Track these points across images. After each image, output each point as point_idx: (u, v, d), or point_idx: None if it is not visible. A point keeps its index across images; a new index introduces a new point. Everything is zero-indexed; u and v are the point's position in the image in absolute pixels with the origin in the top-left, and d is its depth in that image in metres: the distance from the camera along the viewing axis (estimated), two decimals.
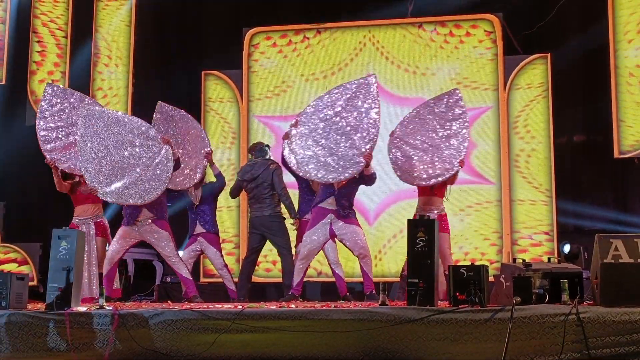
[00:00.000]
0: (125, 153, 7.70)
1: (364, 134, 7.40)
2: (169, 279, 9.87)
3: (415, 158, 7.72)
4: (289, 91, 10.16)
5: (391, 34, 10.06)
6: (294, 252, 8.18)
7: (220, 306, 6.40)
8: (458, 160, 7.62)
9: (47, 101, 8.19)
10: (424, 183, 7.66)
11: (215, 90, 10.27)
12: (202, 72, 10.34)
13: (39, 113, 8.20)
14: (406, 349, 5.47)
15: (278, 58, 10.23)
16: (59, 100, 8.20)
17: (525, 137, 9.48)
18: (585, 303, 5.59)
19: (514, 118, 9.58)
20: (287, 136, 7.68)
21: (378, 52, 10.03)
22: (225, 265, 8.67)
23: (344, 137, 7.46)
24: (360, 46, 10.09)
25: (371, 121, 7.40)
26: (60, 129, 8.14)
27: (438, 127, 7.74)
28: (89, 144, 7.67)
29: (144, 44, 10.58)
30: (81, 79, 9.86)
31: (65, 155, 8.10)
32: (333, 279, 8.11)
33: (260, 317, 5.70)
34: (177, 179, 8.20)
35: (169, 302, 7.59)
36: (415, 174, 7.70)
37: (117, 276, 8.03)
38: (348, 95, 7.52)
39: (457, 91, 7.86)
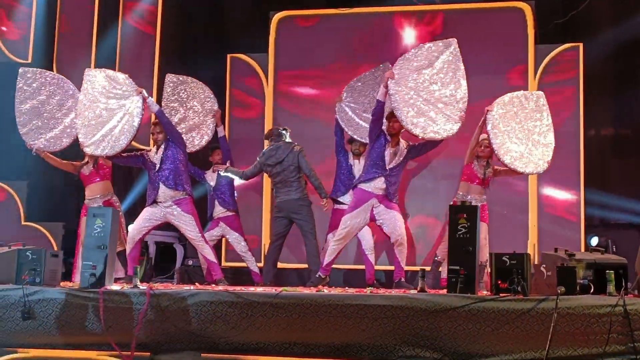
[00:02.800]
0: (101, 105, 7.72)
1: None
2: (190, 262, 9.81)
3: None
4: (315, 76, 10.01)
5: (416, 19, 9.91)
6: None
7: (253, 289, 6.31)
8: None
9: (20, 86, 8.29)
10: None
11: (242, 73, 10.15)
12: (228, 55, 10.22)
13: (15, 99, 8.29)
14: (445, 337, 5.39)
15: (305, 42, 10.09)
16: (30, 82, 8.31)
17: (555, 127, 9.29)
18: (630, 295, 5.48)
19: None
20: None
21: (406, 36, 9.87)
22: (249, 249, 8.65)
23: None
24: (386, 30, 9.95)
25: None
26: (32, 111, 8.25)
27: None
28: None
29: (170, 29, 10.46)
30: (107, 64, 9.73)
31: (40, 135, 8.23)
32: (354, 266, 8.01)
33: (297, 300, 5.61)
34: (187, 141, 8.24)
35: (196, 284, 7.50)
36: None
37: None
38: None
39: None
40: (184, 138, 8.11)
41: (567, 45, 9.46)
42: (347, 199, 8.30)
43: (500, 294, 5.42)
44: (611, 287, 5.39)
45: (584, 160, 9.27)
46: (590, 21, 9.68)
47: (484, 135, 7.55)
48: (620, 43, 9.46)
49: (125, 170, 9.35)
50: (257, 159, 8.25)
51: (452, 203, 7.56)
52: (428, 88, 7.32)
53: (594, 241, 9.15)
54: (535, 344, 5.22)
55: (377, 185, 7.44)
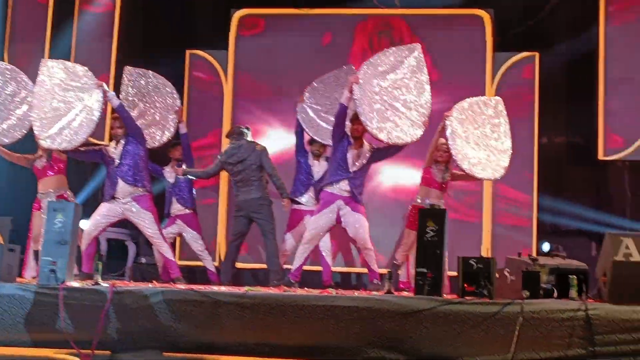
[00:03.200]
0: (58, 98, 7.57)
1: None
2: (143, 260, 9.69)
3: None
4: (275, 75, 9.98)
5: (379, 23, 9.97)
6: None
7: (217, 288, 6.26)
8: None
9: None
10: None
11: (200, 69, 10.07)
12: (187, 52, 10.13)
13: None
14: (410, 339, 5.43)
15: (266, 41, 10.06)
16: None
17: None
18: (590, 300, 5.60)
19: None
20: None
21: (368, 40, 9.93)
22: (206, 248, 8.59)
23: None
24: (348, 34, 9.99)
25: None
26: None
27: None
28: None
29: (129, 22, 10.31)
30: (62, 57, 9.52)
31: None
32: (309, 267, 8.00)
33: (264, 300, 5.59)
34: (149, 137, 8.11)
35: (154, 282, 7.40)
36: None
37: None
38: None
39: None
40: (145, 133, 7.99)
41: (524, 54, 9.63)
42: (305, 199, 8.31)
43: (467, 297, 5.48)
44: (573, 292, 5.51)
45: (537, 167, 9.44)
46: (547, 31, 9.86)
47: (442, 140, 7.61)
48: (575, 54, 9.63)
49: (79, 165, 9.16)
50: (218, 157, 8.18)
51: (410, 207, 7.70)
52: (392, 93, 7.35)
53: (546, 247, 9.29)
54: (499, 347, 5.29)
55: (342, 187, 7.44)
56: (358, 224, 7.44)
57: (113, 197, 7.64)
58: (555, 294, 5.59)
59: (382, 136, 7.27)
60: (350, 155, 7.48)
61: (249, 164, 7.91)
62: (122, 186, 7.62)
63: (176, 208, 8.52)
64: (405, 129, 7.32)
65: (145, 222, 7.67)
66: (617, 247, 5.37)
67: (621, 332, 5.20)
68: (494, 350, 5.30)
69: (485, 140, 7.59)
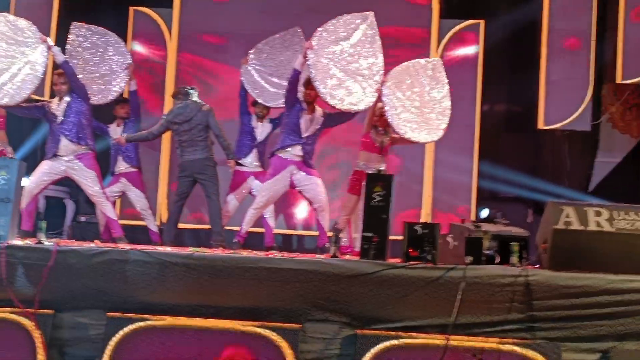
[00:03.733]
0: (3, 53, 7.42)
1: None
2: (83, 219, 9.54)
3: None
4: (221, 36, 9.85)
5: None
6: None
7: (162, 249, 6.24)
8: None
9: None
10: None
11: (143, 27, 9.88)
12: (130, 8, 9.91)
13: None
14: (355, 302, 5.53)
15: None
16: None
17: (453, 101, 9.52)
18: (530, 266, 5.76)
19: None
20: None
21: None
22: (150, 207, 8.53)
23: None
24: None
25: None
26: None
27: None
28: None
29: None
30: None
31: None
32: (251, 229, 8.01)
33: (210, 262, 5.61)
34: (96, 95, 8.05)
35: (96, 242, 7.32)
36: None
37: None
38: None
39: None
40: (93, 90, 7.85)
41: (470, 22, 9.70)
42: (249, 160, 8.31)
43: (411, 262, 5.58)
44: (514, 259, 5.65)
45: (478, 134, 9.57)
46: (492, 0, 9.95)
47: (380, 104, 7.65)
48: (519, 24, 9.73)
49: (20, 120, 8.94)
50: (163, 116, 8.10)
51: (352, 172, 7.77)
52: (346, 59, 7.39)
53: (484, 213, 9.49)
54: (441, 311, 5.43)
55: (294, 152, 7.50)
56: (315, 186, 7.55)
57: (55, 155, 7.51)
58: (497, 260, 5.72)
59: (334, 102, 7.30)
60: (303, 121, 7.50)
61: (195, 123, 7.85)
62: (65, 144, 7.49)
63: (121, 166, 8.42)
64: (358, 95, 7.37)
65: (88, 180, 7.57)
66: (557, 216, 5.52)
67: (558, 297, 5.38)
68: (436, 314, 5.44)
69: (423, 103, 7.66)
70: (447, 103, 7.74)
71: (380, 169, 7.44)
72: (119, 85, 8.24)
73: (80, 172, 7.54)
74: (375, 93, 7.40)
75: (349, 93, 7.33)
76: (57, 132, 7.50)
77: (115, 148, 8.46)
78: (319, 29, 7.44)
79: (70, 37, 8.20)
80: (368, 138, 7.77)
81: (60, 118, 7.50)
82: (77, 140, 7.49)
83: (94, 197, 7.70)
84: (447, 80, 7.79)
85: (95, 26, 8.33)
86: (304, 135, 7.52)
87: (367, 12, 7.54)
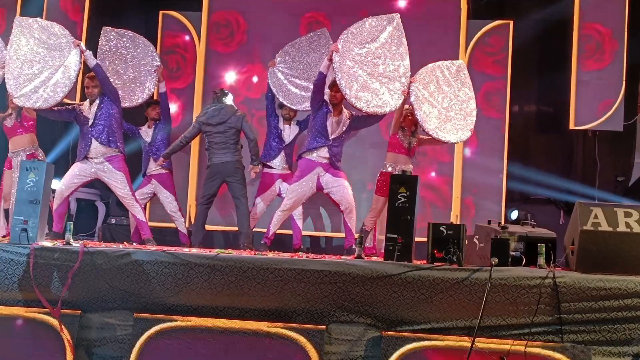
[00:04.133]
0: (33, 56, 7.51)
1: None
2: (113, 221, 9.65)
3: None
4: (248, 40, 9.87)
5: None
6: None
7: (188, 250, 6.27)
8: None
9: None
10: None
11: (173, 31, 9.93)
12: (160, 12, 9.98)
13: None
14: (379, 304, 5.51)
15: (239, 3, 9.92)
16: None
17: (482, 103, 9.46)
18: (558, 268, 5.69)
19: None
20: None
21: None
22: (180, 209, 8.58)
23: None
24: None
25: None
26: None
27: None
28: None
29: None
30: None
31: None
32: (280, 231, 8.02)
33: (235, 263, 5.62)
34: (127, 96, 8.20)
35: (125, 243, 7.38)
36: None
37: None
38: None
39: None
40: (123, 93, 7.95)
41: (498, 22, 9.60)
42: (276, 163, 8.32)
43: (436, 263, 5.55)
44: (541, 260, 5.59)
45: (508, 135, 9.48)
46: (521, 0, 9.86)
47: (407, 106, 7.64)
48: (548, 23, 9.65)
49: (51, 123, 9.06)
50: (196, 118, 8.16)
51: (379, 173, 7.75)
52: (372, 62, 7.37)
53: (514, 215, 9.40)
54: (466, 313, 5.39)
55: (321, 154, 7.52)
56: (342, 188, 7.55)
57: (86, 157, 7.61)
58: (524, 262, 5.66)
59: (361, 105, 7.29)
60: (329, 123, 7.51)
61: (230, 127, 7.90)
62: (95, 146, 7.59)
63: (152, 167, 8.48)
64: (385, 98, 7.35)
65: (118, 182, 7.66)
66: (586, 217, 5.45)
67: (587, 300, 5.32)
68: (461, 316, 5.40)
69: (450, 104, 7.64)
70: (473, 104, 7.71)
71: (407, 170, 7.44)
72: (148, 88, 8.34)
73: (110, 174, 7.62)
74: (401, 95, 7.37)
75: (375, 95, 7.32)
76: (88, 134, 7.59)
77: (146, 150, 8.52)
78: (344, 31, 7.44)
79: (100, 41, 8.33)
80: (395, 139, 7.76)
81: (91, 121, 7.59)
82: (107, 142, 7.57)
83: (123, 199, 7.78)
84: (471, 82, 7.75)
85: (125, 30, 8.46)
86: (331, 137, 7.53)
87: (393, 14, 7.53)
